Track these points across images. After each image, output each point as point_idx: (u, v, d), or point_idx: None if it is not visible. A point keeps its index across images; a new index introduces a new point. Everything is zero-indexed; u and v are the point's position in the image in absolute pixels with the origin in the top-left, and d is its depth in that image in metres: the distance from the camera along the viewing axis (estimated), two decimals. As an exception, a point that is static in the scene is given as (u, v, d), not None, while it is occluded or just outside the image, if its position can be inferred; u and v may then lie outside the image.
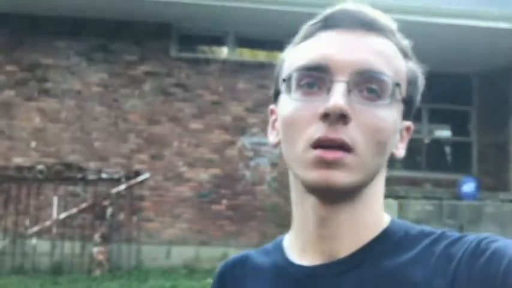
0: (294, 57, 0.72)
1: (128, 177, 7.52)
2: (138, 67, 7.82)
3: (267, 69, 7.94)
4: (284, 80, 0.71)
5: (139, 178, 7.54)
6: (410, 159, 9.91)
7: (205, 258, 7.50)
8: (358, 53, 0.66)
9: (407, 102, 0.70)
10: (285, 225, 6.90)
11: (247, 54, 8.36)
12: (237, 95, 7.87)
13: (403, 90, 0.69)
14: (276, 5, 7.27)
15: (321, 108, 0.63)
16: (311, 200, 0.68)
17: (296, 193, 0.73)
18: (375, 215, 0.70)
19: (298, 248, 0.74)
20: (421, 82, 0.74)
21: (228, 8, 7.33)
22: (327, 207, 0.67)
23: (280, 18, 7.44)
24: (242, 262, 0.84)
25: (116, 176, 7.52)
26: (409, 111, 0.72)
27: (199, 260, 7.50)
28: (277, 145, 0.76)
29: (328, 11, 0.71)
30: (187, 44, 8.25)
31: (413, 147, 9.92)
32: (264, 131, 7.54)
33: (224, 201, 7.72)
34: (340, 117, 0.62)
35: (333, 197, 0.66)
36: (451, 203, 5.49)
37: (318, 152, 0.63)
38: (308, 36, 0.72)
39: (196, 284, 6.24)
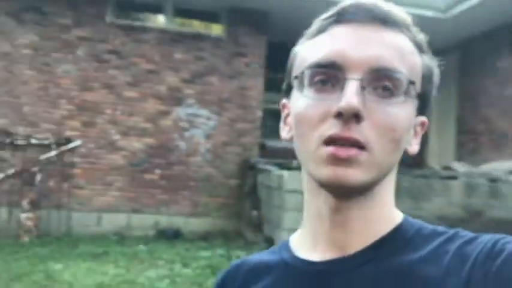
0: (306, 53, 0.70)
1: (59, 144, 7.41)
2: (71, 31, 7.63)
3: (205, 40, 8.03)
4: (296, 76, 0.69)
5: (71, 145, 7.44)
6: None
7: (137, 226, 7.60)
8: (372, 49, 0.65)
9: (422, 97, 0.69)
10: (216, 195, 7.17)
11: (184, 25, 8.35)
12: (173, 65, 7.90)
13: (417, 86, 0.67)
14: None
15: (334, 107, 0.62)
16: (324, 195, 0.67)
17: (308, 189, 0.72)
18: (387, 211, 0.70)
19: (308, 245, 0.73)
20: (436, 76, 0.73)
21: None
22: (340, 202, 0.66)
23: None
24: (244, 265, 0.80)
25: (46, 142, 7.39)
26: (424, 107, 0.71)
27: (130, 228, 7.59)
28: (289, 140, 0.73)
29: (342, 4, 0.69)
30: (123, 11, 8.13)
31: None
32: (199, 102, 7.71)
33: (157, 171, 7.81)
34: (353, 116, 0.61)
35: (346, 193, 0.65)
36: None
37: (331, 149, 0.62)
38: (321, 30, 0.70)
39: (128, 250, 6.36)
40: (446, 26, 7.85)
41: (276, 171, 6.15)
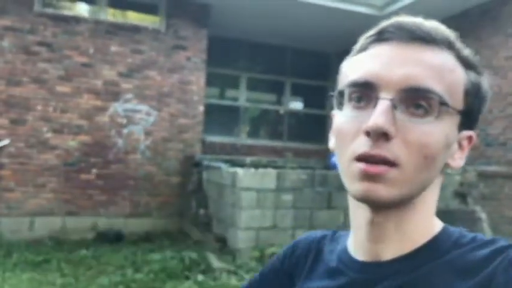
0: (347, 70, 0.73)
1: (-16, 143, 6.78)
2: (-5, 20, 6.98)
3: (142, 32, 7.69)
4: (337, 93, 0.72)
5: (-2, 144, 6.84)
6: (273, 131, 10.45)
7: (73, 229, 7.16)
8: (407, 68, 0.66)
9: (467, 113, 0.70)
10: (157, 194, 6.93)
11: (119, 16, 7.94)
12: (109, 58, 7.48)
13: (458, 102, 0.69)
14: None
15: (364, 126, 0.65)
16: (362, 208, 0.71)
17: (351, 200, 0.75)
18: (424, 223, 0.71)
19: (353, 244, 0.77)
20: (485, 91, 0.73)
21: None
22: (375, 213, 0.69)
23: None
24: (329, 237, 0.87)
25: (-32, 142, 6.73)
26: (470, 122, 0.72)
27: (66, 232, 7.13)
28: (334, 151, 0.76)
29: (383, 23, 0.71)
30: (53, -1, 7.57)
31: (275, 119, 10.48)
32: (137, 97, 7.37)
33: (94, 170, 7.39)
34: (382, 135, 0.63)
35: (379, 207, 0.68)
36: (321, 172, 5.98)
37: (362, 166, 0.64)
38: (362, 49, 0.72)
39: (70, 256, 5.95)
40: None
41: (227, 168, 6.02)
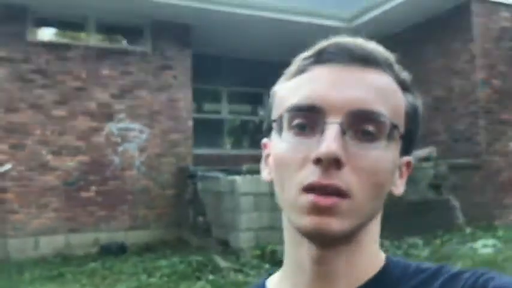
0: (285, 94, 0.68)
1: (-13, 169, 7.10)
2: (-10, 52, 7.34)
3: (130, 55, 8.15)
4: (275, 120, 0.67)
5: (0, 169, 7.16)
6: (255, 140, 11.02)
7: (76, 245, 7.52)
8: (353, 91, 0.62)
9: (407, 137, 0.67)
10: (154, 206, 7.44)
11: (107, 41, 8.38)
12: (101, 81, 7.91)
13: (401, 127, 0.65)
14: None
15: (313, 153, 0.59)
16: (306, 245, 0.65)
17: (289, 237, 0.68)
18: (371, 255, 0.68)
19: None
20: (421, 114, 0.71)
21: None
22: (323, 251, 0.64)
23: (138, 6, 7.73)
24: None
25: (-28, 169, 7.04)
26: (409, 146, 0.69)
27: (70, 248, 7.49)
28: (270, 181, 0.70)
29: (321, 44, 0.68)
30: (45, 29, 7.96)
31: (256, 129, 11.04)
32: (130, 116, 7.83)
33: (93, 188, 7.78)
34: (333, 162, 0.58)
35: (329, 242, 0.62)
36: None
37: (312, 198, 0.59)
38: (300, 71, 0.68)
39: (82, 269, 6.33)
40: (352, 34, 8.75)
41: (225, 177, 6.53)
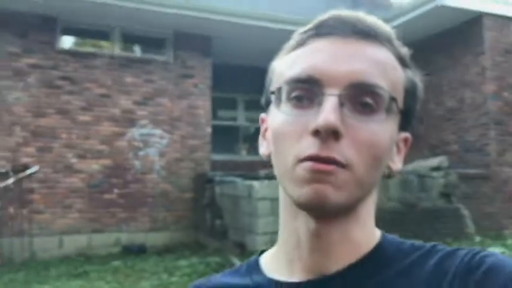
0: (284, 67, 0.67)
1: (16, 171, 7.47)
2: (21, 59, 7.73)
3: (153, 64, 8.51)
4: (273, 92, 0.67)
5: (28, 171, 7.53)
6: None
7: (99, 245, 7.85)
8: (352, 63, 0.62)
9: (405, 113, 0.67)
10: (173, 209, 7.78)
11: (131, 50, 8.75)
12: (124, 89, 8.27)
13: (399, 102, 0.65)
14: (157, 6, 7.85)
15: (312, 124, 0.59)
16: (303, 217, 0.64)
17: (285, 210, 0.68)
18: (367, 230, 0.68)
19: (283, 267, 0.69)
20: (420, 91, 0.71)
21: (111, 6, 7.69)
22: (320, 223, 0.63)
23: (161, 18, 8.08)
24: (208, 286, 0.77)
25: (2, 170, 7.41)
26: (407, 123, 0.69)
27: (92, 248, 7.82)
28: (268, 156, 0.70)
29: (321, 17, 0.67)
30: (73, 38, 8.35)
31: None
32: (151, 122, 8.18)
33: (115, 190, 8.11)
34: (332, 134, 0.58)
35: (326, 214, 0.62)
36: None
37: (309, 164, 0.59)
38: (299, 44, 0.67)
39: (105, 267, 6.65)
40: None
41: (243, 181, 6.83)
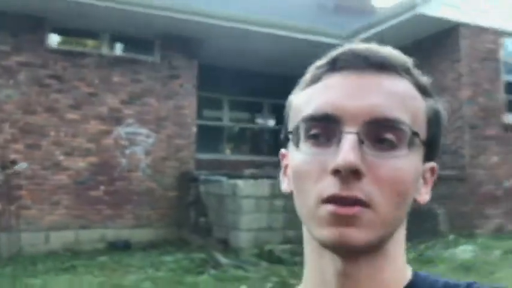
0: (300, 104, 0.66)
1: (4, 167, 7.60)
2: (11, 57, 7.85)
3: (141, 64, 8.70)
4: (291, 131, 0.66)
5: (16, 167, 7.66)
6: (254, 147, 11.57)
7: (85, 241, 8.02)
8: (370, 98, 0.60)
9: (429, 143, 0.65)
10: (158, 207, 8.00)
11: (119, 50, 8.92)
12: (112, 88, 8.45)
13: (422, 133, 0.63)
14: (145, 8, 8.01)
15: (331, 164, 0.58)
16: (329, 257, 0.62)
17: (311, 249, 0.66)
18: (397, 268, 0.65)
19: None
20: (443, 119, 0.68)
21: (99, 7, 7.84)
22: (347, 262, 0.61)
23: (149, 20, 8.26)
24: None
25: (-10, 166, 7.54)
26: (432, 152, 0.67)
27: (78, 243, 7.98)
28: (290, 194, 0.68)
29: (336, 51, 0.66)
30: (62, 37, 8.49)
31: (255, 136, 11.59)
32: (138, 121, 8.36)
33: (102, 187, 8.28)
34: (352, 173, 0.57)
35: (352, 253, 0.60)
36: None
37: (331, 208, 0.57)
38: (315, 80, 0.66)
39: (92, 262, 6.83)
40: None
41: (227, 180, 7.07)
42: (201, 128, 9.74)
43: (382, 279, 0.63)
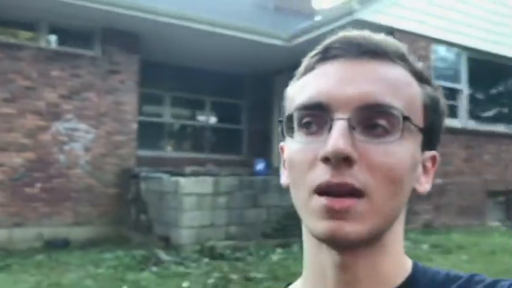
0: (294, 94, 0.66)
1: None
2: None
3: (80, 59, 8.52)
4: (284, 120, 0.65)
5: None
6: (196, 144, 11.60)
7: (20, 240, 7.78)
8: (360, 85, 0.59)
9: (428, 130, 0.63)
10: (97, 204, 7.95)
11: (58, 43, 8.68)
12: (50, 82, 8.22)
13: (417, 119, 0.62)
14: (85, 1, 7.84)
15: (321, 152, 0.57)
16: (326, 250, 0.61)
17: (309, 239, 0.65)
18: (396, 259, 0.64)
19: None
20: (442, 105, 0.67)
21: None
22: (344, 255, 0.60)
23: (89, 12, 8.11)
24: None
25: None
26: (432, 140, 0.65)
27: (12, 242, 7.73)
28: (288, 187, 0.66)
29: (328, 40, 0.66)
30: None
31: (196, 134, 11.62)
32: (77, 117, 8.21)
33: (38, 184, 8.05)
34: (343, 160, 0.55)
35: (348, 246, 0.58)
36: (249, 178, 7.26)
37: (324, 201, 0.56)
38: (308, 69, 0.66)
39: (28, 261, 6.65)
40: (290, 52, 9.63)
41: (169, 177, 7.09)
42: (142, 124, 9.66)
43: (381, 272, 0.62)
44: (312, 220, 0.58)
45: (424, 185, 0.65)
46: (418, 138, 0.62)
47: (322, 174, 0.57)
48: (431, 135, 0.65)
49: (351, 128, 0.57)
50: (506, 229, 9.14)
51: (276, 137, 11.50)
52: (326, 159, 0.56)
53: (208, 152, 11.24)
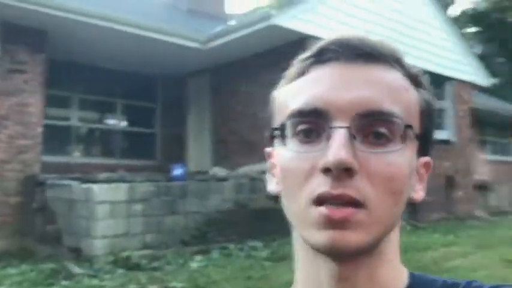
0: (286, 99, 0.62)
1: None
2: None
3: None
4: (277, 128, 0.61)
5: None
6: (106, 149, 11.09)
7: None
8: (359, 90, 0.57)
9: (423, 137, 0.61)
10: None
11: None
12: None
13: (416, 126, 0.60)
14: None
15: (321, 162, 0.54)
16: (323, 260, 0.59)
17: (303, 250, 0.62)
18: (394, 269, 0.62)
19: None
20: (435, 111, 0.65)
21: None
22: (342, 265, 0.58)
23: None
24: None
25: None
26: (426, 146, 0.63)
27: None
28: (279, 195, 0.63)
29: (322, 42, 0.62)
30: None
31: (106, 138, 11.10)
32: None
33: None
34: (344, 171, 0.53)
35: (347, 256, 0.56)
36: (166, 184, 7.00)
37: (323, 211, 0.54)
38: (301, 73, 0.62)
39: None
40: (205, 55, 9.51)
41: (79, 185, 6.65)
42: (48, 128, 9.03)
43: (380, 281, 0.60)
44: (311, 230, 0.56)
45: (419, 192, 0.63)
46: (415, 145, 0.60)
47: (321, 184, 0.54)
48: (426, 141, 0.63)
49: (352, 137, 0.55)
50: (411, 228, 9.64)
51: (191, 141, 11.31)
52: (327, 170, 0.54)
53: (120, 157, 10.76)
